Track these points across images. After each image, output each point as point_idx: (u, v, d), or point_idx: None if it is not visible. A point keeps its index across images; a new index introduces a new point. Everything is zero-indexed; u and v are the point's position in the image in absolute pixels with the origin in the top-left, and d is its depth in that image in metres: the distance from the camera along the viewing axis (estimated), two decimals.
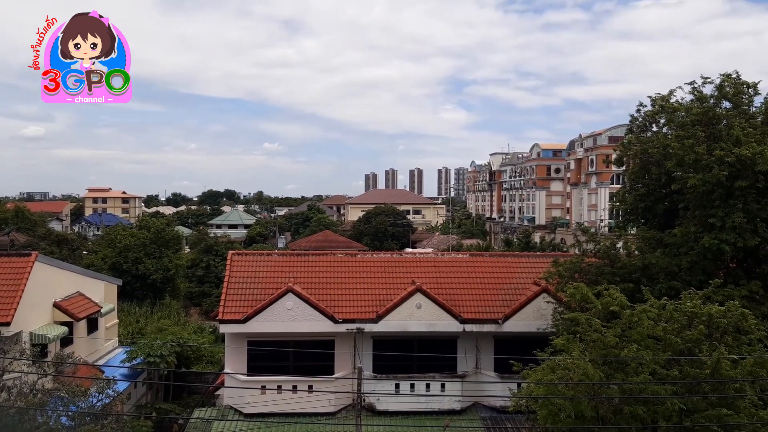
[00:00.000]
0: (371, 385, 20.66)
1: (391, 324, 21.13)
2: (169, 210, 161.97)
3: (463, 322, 21.24)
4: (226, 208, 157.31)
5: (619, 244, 21.45)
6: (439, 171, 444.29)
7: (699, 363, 13.26)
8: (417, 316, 21.17)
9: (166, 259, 48.14)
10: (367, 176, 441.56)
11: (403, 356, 21.24)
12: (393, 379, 21.19)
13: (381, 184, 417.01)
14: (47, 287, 23.88)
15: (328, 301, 21.73)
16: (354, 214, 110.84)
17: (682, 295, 15.35)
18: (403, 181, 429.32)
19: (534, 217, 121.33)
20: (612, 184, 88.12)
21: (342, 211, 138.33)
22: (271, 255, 25.59)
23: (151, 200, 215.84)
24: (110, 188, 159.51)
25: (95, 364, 25.23)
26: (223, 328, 21.29)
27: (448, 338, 21.78)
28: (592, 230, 23.02)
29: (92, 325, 27.03)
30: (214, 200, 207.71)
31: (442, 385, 21.27)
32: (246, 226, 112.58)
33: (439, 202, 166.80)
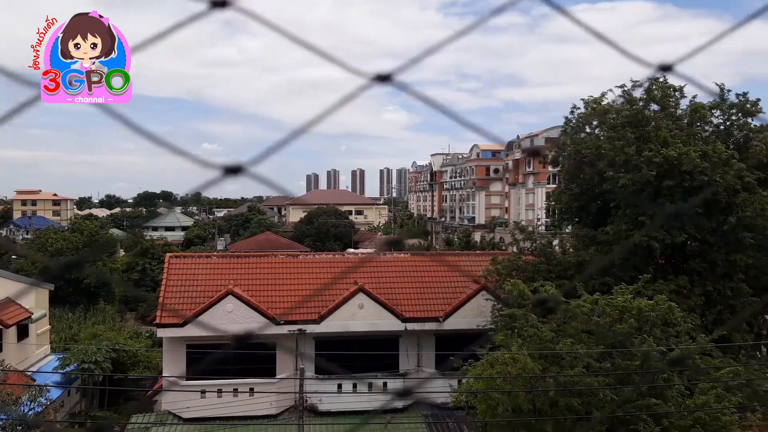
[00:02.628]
0: (313, 386, 20.62)
1: (333, 324, 21.14)
2: (102, 212, 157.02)
3: (405, 320, 21.43)
4: (162, 210, 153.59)
5: (555, 242, 22.07)
6: (381, 171, 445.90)
7: (630, 355, 13.80)
8: (359, 316, 21.24)
9: (100, 263, 46.79)
10: (308, 177, 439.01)
11: (346, 356, 21.28)
12: (335, 380, 21.21)
13: (323, 184, 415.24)
14: None
15: (270, 302, 21.57)
16: (295, 215, 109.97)
17: (614, 290, 15.93)
18: (345, 182, 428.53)
19: (474, 217, 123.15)
20: (548, 184, 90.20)
21: (283, 212, 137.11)
22: (211, 257, 25.21)
23: (83, 202, 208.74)
24: (40, 190, 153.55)
25: (26, 371, 24.31)
26: (161, 333, 20.85)
27: (390, 337, 21.94)
28: (529, 229, 23.60)
29: (22, 332, 26.03)
30: (150, 202, 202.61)
31: (384, 384, 21.42)
32: (184, 228, 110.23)
33: (381, 202, 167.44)
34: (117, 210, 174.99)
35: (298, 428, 17.97)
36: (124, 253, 67.86)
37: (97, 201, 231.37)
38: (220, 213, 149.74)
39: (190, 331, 20.41)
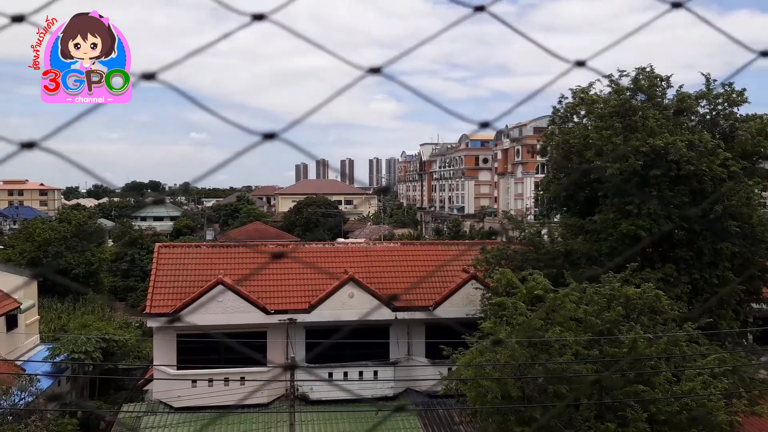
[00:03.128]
0: (304, 375, 20.72)
1: (323, 314, 21.22)
2: (90, 202, 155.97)
3: (395, 310, 21.53)
4: (151, 200, 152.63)
5: (544, 231, 22.22)
6: (371, 161, 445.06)
7: (617, 342, 13.98)
8: (349, 306, 21.33)
9: (88, 252, 46.62)
10: (297, 167, 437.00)
11: (336, 345, 21.38)
12: (326, 368, 21.32)
13: (312, 174, 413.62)
14: None
15: (260, 292, 21.60)
16: (285, 205, 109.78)
17: (602, 278, 16.09)
18: (334, 172, 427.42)
19: (463, 207, 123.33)
20: (537, 173, 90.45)
21: (272, 202, 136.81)
22: (200, 247, 25.21)
23: (71, 192, 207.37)
24: (27, 180, 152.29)
25: (16, 361, 24.26)
26: (151, 322, 20.86)
27: (380, 326, 22.05)
28: (519, 218, 23.73)
29: (11, 322, 25.95)
30: (138, 192, 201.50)
31: (375, 373, 21.56)
32: (172, 219, 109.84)
33: (370, 192, 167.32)
34: (105, 200, 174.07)
35: (289, 416, 18.09)
36: (112, 242, 67.58)
37: (85, 191, 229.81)
38: (209, 203, 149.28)
39: (181, 320, 20.42)
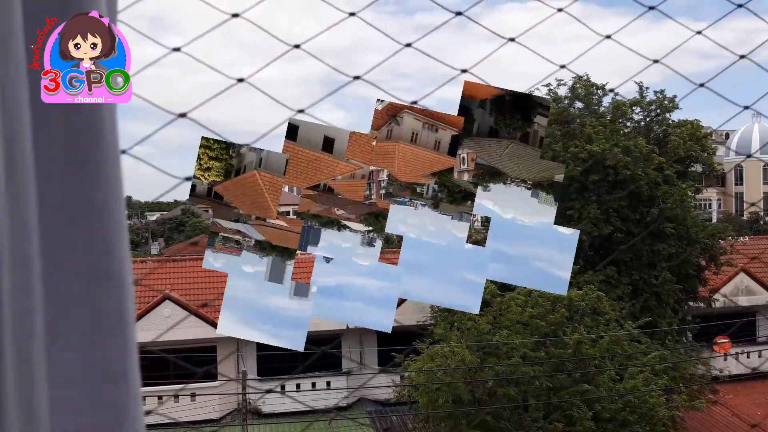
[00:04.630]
0: (257, 388, 20.56)
1: None
2: None
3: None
4: None
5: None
6: None
7: (562, 344, 14.39)
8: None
9: None
10: None
11: (288, 356, 21.27)
12: (278, 381, 21.19)
13: None
14: None
15: (209, 306, 21.32)
16: None
17: None
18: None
19: None
20: None
21: None
22: (146, 261, 24.76)
23: None
24: None
25: None
26: None
27: (332, 336, 22.05)
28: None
29: None
30: None
31: (328, 383, 21.54)
32: None
33: None
34: None
35: (242, 430, 17.95)
36: None
37: None
38: (153, 216, 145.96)
39: None
